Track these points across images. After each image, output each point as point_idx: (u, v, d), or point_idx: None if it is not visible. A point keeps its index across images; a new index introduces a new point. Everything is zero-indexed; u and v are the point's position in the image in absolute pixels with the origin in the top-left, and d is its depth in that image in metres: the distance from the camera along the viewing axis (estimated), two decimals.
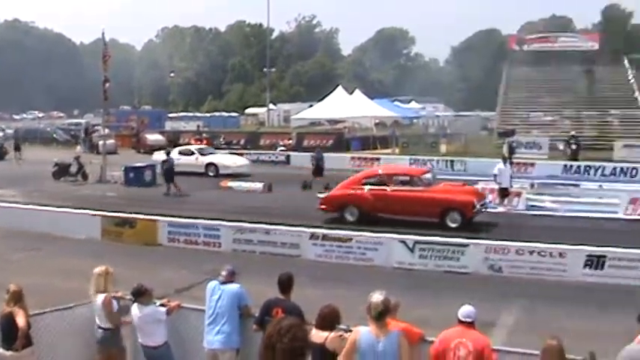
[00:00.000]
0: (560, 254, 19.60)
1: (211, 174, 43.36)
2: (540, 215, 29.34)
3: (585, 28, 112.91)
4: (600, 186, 35.05)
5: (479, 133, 72.51)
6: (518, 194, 31.09)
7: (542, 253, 19.68)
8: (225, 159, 45.98)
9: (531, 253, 19.77)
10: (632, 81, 68.43)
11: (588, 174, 43.33)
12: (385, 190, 27.08)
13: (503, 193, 30.44)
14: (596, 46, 76.90)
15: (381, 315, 8.44)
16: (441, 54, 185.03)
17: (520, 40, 80.00)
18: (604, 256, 19.31)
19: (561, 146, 51.91)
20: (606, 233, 24.80)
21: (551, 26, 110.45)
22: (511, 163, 34.94)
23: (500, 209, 29.95)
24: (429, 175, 28.97)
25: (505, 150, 42.89)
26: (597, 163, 44.89)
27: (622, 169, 43.60)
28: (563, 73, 72.28)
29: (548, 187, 34.37)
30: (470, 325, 9.05)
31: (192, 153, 45.51)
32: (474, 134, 67.83)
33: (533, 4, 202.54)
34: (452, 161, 47.00)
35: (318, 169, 39.19)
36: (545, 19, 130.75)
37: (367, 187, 27.52)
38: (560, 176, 42.44)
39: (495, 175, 30.89)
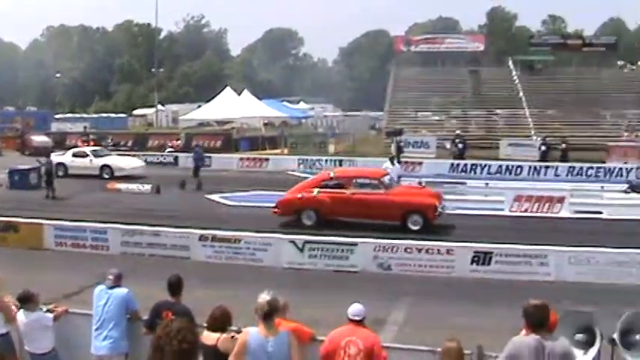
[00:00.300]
0: (448, 251, 19.96)
1: (106, 176, 42.46)
2: None
3: (471, 30, 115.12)
4: (486, 184, 35.86)
5: (367, 132, 73.25)
6: None
7: (431, 251, 19.98)
8: (119, 161, 45.19)
9: (419, 250, 20.04)
10: (516, 81, 70.25)
11: (475, 172, 44.31)
12: (344, 192, 26.55)
13: None
14: (482, 47, 78.70)
15: (267, 315, 8.40)
16: (330, 54, 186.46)
17: (407, 40, 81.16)
18: (490, 253, 19.75)
19: (448, 145, 52.85)
20: (493, 230, 25.36)
21: (438, 27, 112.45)
22: (399, 162, 35.35)
23: None
24: (388, 177, 28.46)
25: (393, 149, 43.45)
26: (483, 162, 45.95)
27: (507, 167, 44.75)
28: (449, 74, 73.84)
29: (435, 185, 34.88)
30: (359, 323, 9.13)
31: (87, 155, 44.60)
32: (363, 134, 68.47)
33: (420, 6, 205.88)
34: (340, 161, 47.21)
35: (195, 169, 38.99)
36: (433, 20, 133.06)
37: (322, 189, 26.86)
38: (448, 175, 43.21)
39: None
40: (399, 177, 31.82)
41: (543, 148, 49.09)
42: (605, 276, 19.26)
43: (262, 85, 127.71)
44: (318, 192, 26.81)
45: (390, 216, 25.96)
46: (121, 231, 22.99)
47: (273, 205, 27.29)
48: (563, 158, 47.61)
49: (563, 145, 48.95)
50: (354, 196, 26.34)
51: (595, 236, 23.71)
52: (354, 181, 27.38)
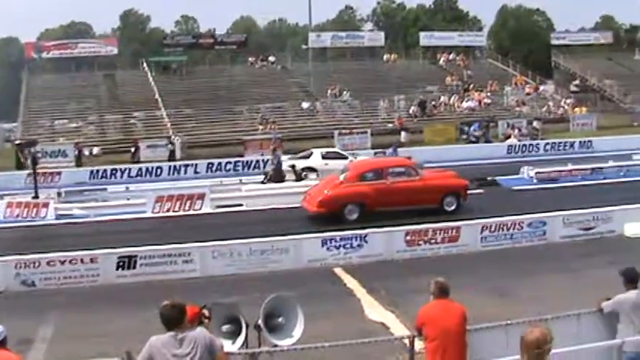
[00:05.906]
0: (92, 259, 19.88)
1: None
2: (70, 223, 29.29)
3: (105, 34, 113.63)
4: (127, 187, 35.84)
5: (3, 145, 70.43)
6: (46, 205, 30.76)
7: (74, 261, 19.77)
8: None
9: (63, 262, 19.74)
10: (152, 83, 70.54)
11: (115, 177, 44.01)
12: (385, 183, 26.61)
13: None
14: (115, 51, 78.12)
15: None
16: None
17: (38, 47, 78.61)
18: (135, 256, 19.98)
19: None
20: (137, 233, 25.57)
21: (71, 32, 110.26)
22: (35, 174, 34.43)
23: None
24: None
25: (29, 161, 42.11)
26: (123, 166, 45.79)
27: (147, 169, 45.00)
28: (85, 79, 72.68)
29: (75, 194, 34.34)
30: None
31: None
32: None
33: (52, 12, 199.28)
34: None
35: None
36: (64, 25, 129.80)
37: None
38: (89, 182, 42.49)
39: None
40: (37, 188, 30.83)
41: (170, 147, 51.06)
42: (248, 266, 20.27)
43: None
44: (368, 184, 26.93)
45: (430, 200, 27.01)
46: None
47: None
48: None
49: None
50: (395, 185, 26.74)
51: (237, 228, 24.80)
52: (391, 170, 27.63)
